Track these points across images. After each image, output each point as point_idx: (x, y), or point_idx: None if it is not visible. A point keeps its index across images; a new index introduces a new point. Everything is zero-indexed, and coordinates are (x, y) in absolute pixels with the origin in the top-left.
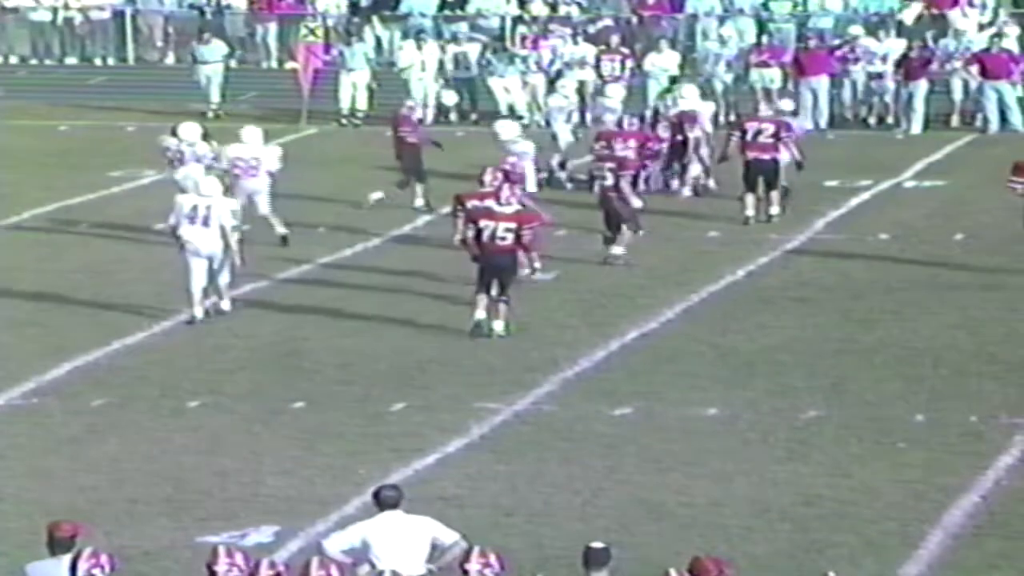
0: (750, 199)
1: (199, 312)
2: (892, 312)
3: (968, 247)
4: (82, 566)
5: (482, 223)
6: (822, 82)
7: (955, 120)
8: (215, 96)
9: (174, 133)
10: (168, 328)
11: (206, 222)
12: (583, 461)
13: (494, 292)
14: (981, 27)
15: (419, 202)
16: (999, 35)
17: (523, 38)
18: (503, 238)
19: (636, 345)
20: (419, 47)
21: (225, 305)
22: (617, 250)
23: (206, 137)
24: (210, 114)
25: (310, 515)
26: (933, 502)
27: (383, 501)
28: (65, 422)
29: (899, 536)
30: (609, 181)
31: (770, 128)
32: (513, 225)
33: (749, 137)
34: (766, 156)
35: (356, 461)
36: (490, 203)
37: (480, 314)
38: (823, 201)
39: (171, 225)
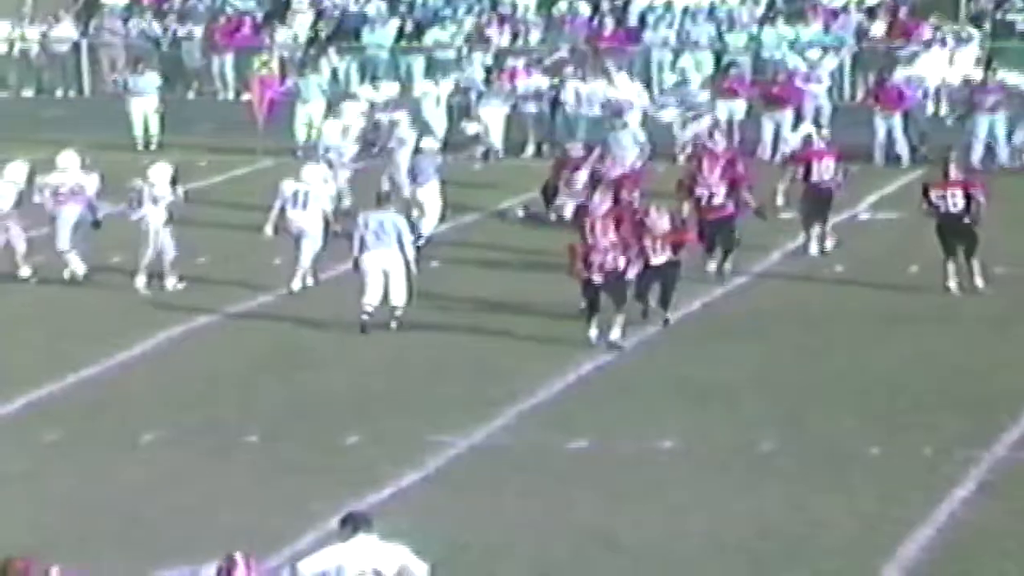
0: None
1: (296, 285)
2: (848, 344)
3: (923, 279)
4: None
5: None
6: (787, 115)
7: (923, 150)
8: (153, 128)
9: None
10: (124, 360)
11: (305, 205)
12: (539, 494)
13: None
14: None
15: (814, 247)
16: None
17: (500, 71)
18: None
19: (592, 377)
20: (436, 83)
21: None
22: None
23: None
24: (140, 146)
25: (263, 549)
26: (888, 535)
27: (358, 524)
28: (17, 457)
29: (854, 569)
30: (960, 207)
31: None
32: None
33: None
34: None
35: (310, 495)
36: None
37: (594, 332)
38: (779, 233)
39: (276, 208)
